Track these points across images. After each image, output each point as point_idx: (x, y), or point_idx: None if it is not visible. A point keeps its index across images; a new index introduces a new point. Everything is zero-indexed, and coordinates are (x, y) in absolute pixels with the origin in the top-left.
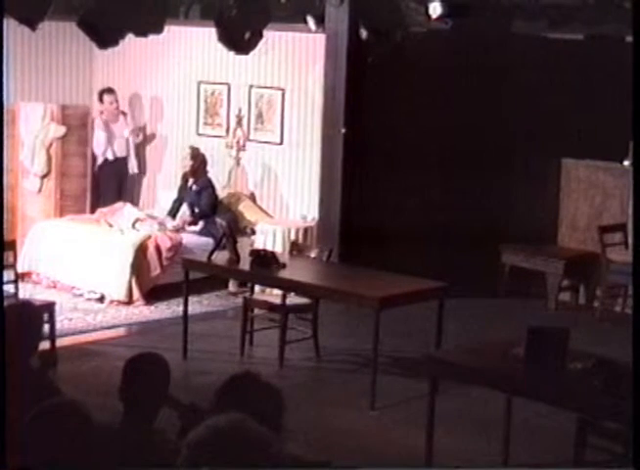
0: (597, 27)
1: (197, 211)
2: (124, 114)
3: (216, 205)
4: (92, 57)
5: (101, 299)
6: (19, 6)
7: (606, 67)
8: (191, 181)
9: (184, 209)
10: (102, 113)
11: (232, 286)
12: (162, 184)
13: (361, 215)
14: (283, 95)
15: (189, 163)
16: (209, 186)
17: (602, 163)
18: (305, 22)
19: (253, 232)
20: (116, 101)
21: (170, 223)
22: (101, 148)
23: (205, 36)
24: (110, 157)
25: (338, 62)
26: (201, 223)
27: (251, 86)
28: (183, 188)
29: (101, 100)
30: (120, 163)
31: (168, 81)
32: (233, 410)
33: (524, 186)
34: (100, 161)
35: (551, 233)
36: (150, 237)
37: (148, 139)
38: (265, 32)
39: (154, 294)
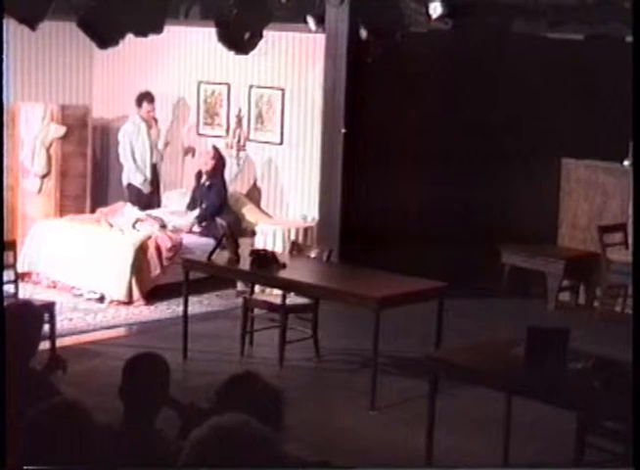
0: (597, 27)
1: (204, 206)
2: (156, 120)
3: (224, 204)
4: (92, 57)
5: (101, 299)
6: (19, 6)
7: (606, 67)
8: (204, 178)
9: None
10: (139, 114)
11: (240, 285)
12: (163, 184)
13: (361, 215)
14: (283, 95)
15: (210, 162)
16: (220, 183)
17: (602, 163)
18: (305, 22)
19: (254, 233)
20: (154, 109)
21: (175, 221)
22: (147, 154)
23: (205, 36)
24: (153, 161)
25: (338, 62)
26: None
27: (251, 86)
28: (196, 182)
29: (139, 105)
30: (155, 168)
31: (168, 81)
32: (233, 410)
33: (524, 186)
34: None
35: (551, 233)
36: (150, 237)
37: None
38: (265, 32)
39: (154, 294)
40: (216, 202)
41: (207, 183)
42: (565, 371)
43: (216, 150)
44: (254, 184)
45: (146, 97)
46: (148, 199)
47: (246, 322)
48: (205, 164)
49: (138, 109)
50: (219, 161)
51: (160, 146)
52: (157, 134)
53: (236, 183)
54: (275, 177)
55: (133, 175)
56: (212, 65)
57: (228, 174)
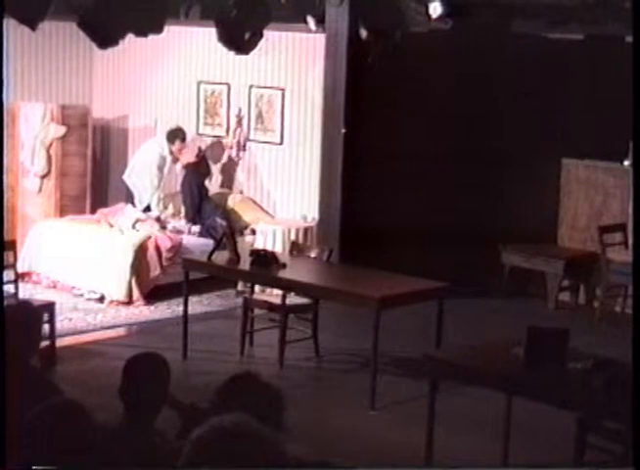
0: (597, 27)
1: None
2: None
3: (196, 200)
4: (92, 57)
5: (101, 299)
6: (19, 6)
7: (606, 67)
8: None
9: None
10: (171, 151)
11: (241, 285)
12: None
13: (361, 215)
14: (283, 95)
15: (191, 158)
16: (187, 180)
17: (602, 163)
18: (305, 22)
19: (254, 232)
20: (185, 147)
21: (174, 222)
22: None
23: (206, 36)
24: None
25: (338, 62)
26: (198, 227)
27: (251, 86)
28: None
29: (172, 141)
30: None
31: (168, 81)
32: (233, 410)
33: (524, 186)
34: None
35: (551, 233)
36: (150, 237)
37: (147, 139)
38: (265, 32)
39: (154, 294)
40: (186, 197)
41: (180, 180)
42: (565, 371)
43: (200, 150)
44: (255, 184)
45: (179, 135)
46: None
47: (246, 322)
48: (187, 159)
49: (169, 144)
50: (201, 159)
51: (178, 169)
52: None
53: (236, 183)
54: (275, 177)
55: (151, 203)
56: (212, 65)
57: (228, 174)
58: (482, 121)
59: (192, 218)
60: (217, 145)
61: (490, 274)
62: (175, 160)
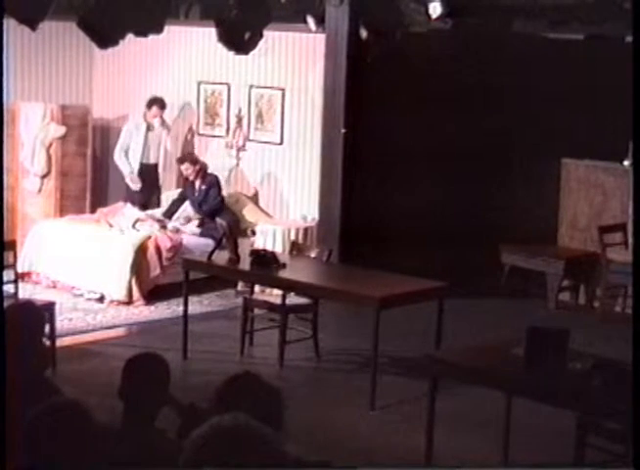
0: (597, 27)
1: (204, 208)
2: (164, 120)
3: (222, 203)
4: (92, 57)
5: (101, 299)
6: (19, 6)
7: (606, 67)
8: (199, 183)
9: (183, 208)
10: (145, 115)
11: (241, 285)
12: (164, 184)
13: (361, 215)
14: (283, 95)
15: (195, 168)
16: (216, 184)
17: (602, 163)
18: (305, 22)
19: (254, 233)
20: (161, 115)
21: (170, 224)
22: (139, 154)
23: (206, 36)
24: (145, 161)
25: (338, 62)
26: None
27: (251, 86)
28: (190, 191)
29: (149, 107)
30: (151, 168)
31: (168, 81)
32: (233, 410)
33: (524, 186)
34: (136, 166)
35: (551, 233)
36: (150, 237)
37: None
38: (265, 32)
39: (154, 294)
40: (216, 203)
41: (204, 186)
42: (564, 371)
43: (190, 156)
44: (254, 184)
45: (157, 102)
46: (141, 197)
47: (246, 322)
48: (192, 171)
49: (147, 111)
50: (199, 163)
51: (169, 146)
52: (159, 137)
53: (236, 183)
54: (275, 177)
55: (122, 168)
56: (212, 65)
57: (227, 174)
58: (482, 121)
59: (209, 219)
60: (217, 145)
61: (490, 274)
62: (149, 125)
